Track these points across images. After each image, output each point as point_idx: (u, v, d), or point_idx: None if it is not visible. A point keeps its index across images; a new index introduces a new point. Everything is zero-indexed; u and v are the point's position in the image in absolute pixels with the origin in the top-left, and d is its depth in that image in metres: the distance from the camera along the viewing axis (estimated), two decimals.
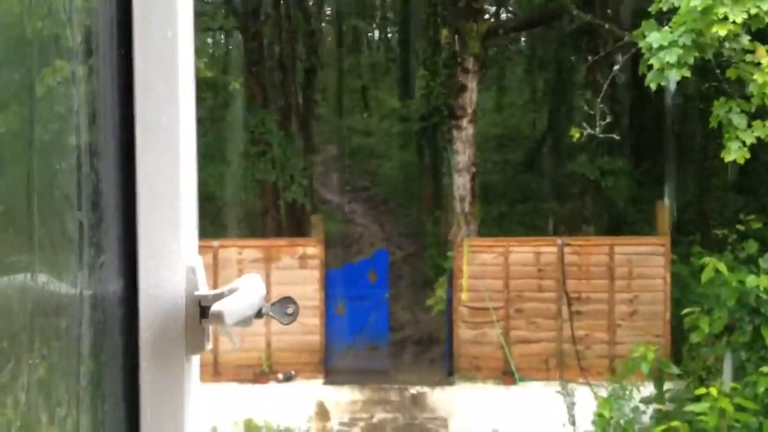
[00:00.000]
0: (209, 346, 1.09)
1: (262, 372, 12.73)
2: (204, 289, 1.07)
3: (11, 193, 0.90)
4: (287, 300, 1.08)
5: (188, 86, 1.07)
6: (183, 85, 1.06)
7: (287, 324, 1.08)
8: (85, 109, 0.99)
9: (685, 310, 11.07)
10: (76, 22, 0.97)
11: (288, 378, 12.77)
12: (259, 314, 1.06)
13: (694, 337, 10.97)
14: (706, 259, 10.91)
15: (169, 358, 1.07)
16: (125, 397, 1.06)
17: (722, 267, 10.63)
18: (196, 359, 1.10)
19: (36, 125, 0.95)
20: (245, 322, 1.04)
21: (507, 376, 12.54)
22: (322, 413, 12.52)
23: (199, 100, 16.68)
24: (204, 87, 15.57)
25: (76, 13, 0.96)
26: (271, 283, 12.65)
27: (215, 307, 0.98)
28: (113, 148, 1.03)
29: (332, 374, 12.98)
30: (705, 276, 10.74)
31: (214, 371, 12.57)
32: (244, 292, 1.04)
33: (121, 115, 1.03)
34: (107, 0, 0.98)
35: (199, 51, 16.35)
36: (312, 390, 12.62)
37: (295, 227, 16.00)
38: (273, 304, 1.08)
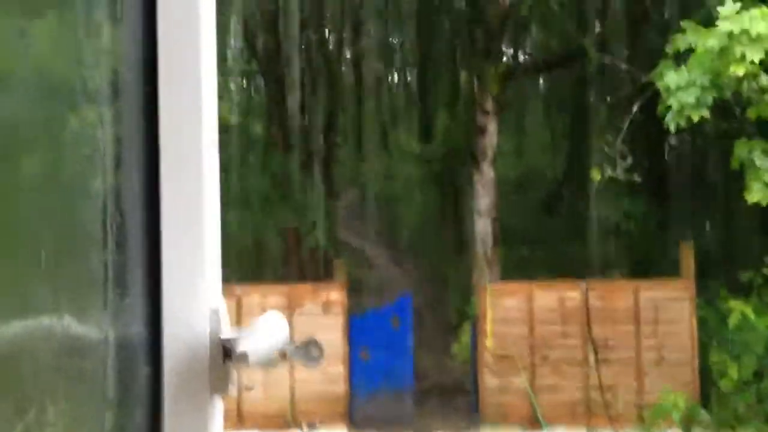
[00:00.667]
0: (233, 388, 1.08)
1: (285, 422, 12.62)
2: (227, 331, 1.07)
3: (38, 235, 0.91)
4: (312, 342, 1.07)
5: (211, 129, 1.08)
6: (206, 128, 1.07)
7: (311, 367, 1.07)
8: (110, 151, 1.00)
9: (713, 357, 10.90)
10: (103, 65, 0.99)
11: (312, 427, 12.65)
12: (283, 355, 1.06)
13: (724, 384, 10.78)
14: (732, 304, 10.78)
15: (193, 400, 1.06)
16: None
17: (749, 311, 10.49)
18: (219, 401, 1.10)
19: (63, 167, 0.96)
20: (270, 363, 1.04)
21: (533, 424, 12.37)
22: None
23: (222, 144, 16.81)
24: (226, 131, 15.73)
25: (103, 57, 0.98)
26: (294, 330, 12.57)
27: (240, 348, 0.98)
28: (138, 191, 1.04)
29: (357, 423, 12.85)
30: (732, 321, 10.60)
31: (239, 420, 12.49)
32: (266, 333, 1.03)
33: (145, 157, 1.04)
34: (134, 42, 1.00)
35: (222, 95, 16.58)
36: None
37: (318, 272, 16.00)
38: (297, 347, 1.08)
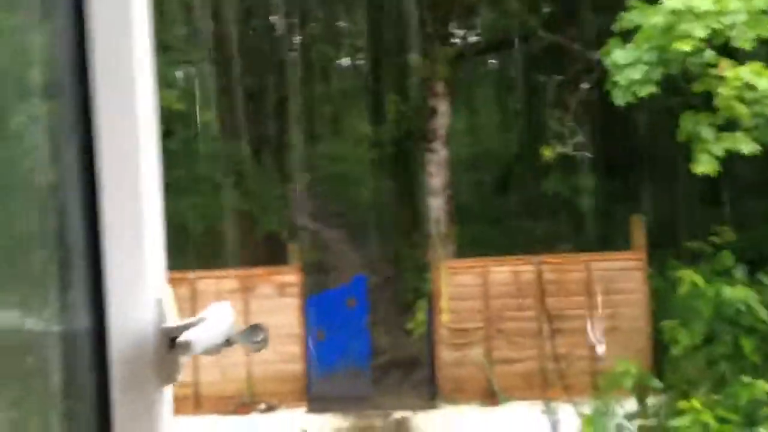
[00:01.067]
0: (180, 376, 1.09)
1: (243, 403, 12.63)
2: (173, 321, 1.07)
3: None
4: (255, 327, 1.08)
5: (149, 116, 1.08)
6: (143, 116, 1.06)
7: (257, 351, 1.08)
8: (47, 147, 1.00)
9: (664, 323, 11.15)
10: (37, 61, 0.98)
11: (270, 408, 12.68)
12: (228, 342, 1.07)
13: (674, 350, 11.03)
14: (682, 272, 11.00)
15: (141, 390, 1.07)
16: (98, 427, 1.06)
17: (699, 279, 10.72)
18: (168, 390, 1.10)
19: (1, 165, 0.95)
20: (214, 350, 1.04)
21: (490, 396, 12.53)
22: None
23: (171, 132, 16.69)
24: (175, 119, 15.55)
25: (36, 53, 0.97)
26: (250, 313, 12.59)
27: (183, 338, 0.99)
28: (76, 186, 1.03)
29: (315, 402, 12.90)
30: (682, 289, 10.83)
31: (195, 403, 12.46)
32: (212, 321, 1.04)
33: (83, 151, 1.03)
34: (65, 36, 0.99)
35: (169, 84, 16.36)
36: (295, 419, 12.53)
37: (272, 256, 15.95)
38: (242, 333, 1.09)
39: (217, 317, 1.06)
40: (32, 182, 0.97)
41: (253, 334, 1.09)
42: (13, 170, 0.97)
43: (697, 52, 8.97)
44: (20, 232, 0.98)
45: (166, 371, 1.07)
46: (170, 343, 1.06)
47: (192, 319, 1.05)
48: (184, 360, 1.03)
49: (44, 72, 1.00)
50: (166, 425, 1.10)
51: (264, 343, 1.08)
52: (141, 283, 1.06)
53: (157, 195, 1.08)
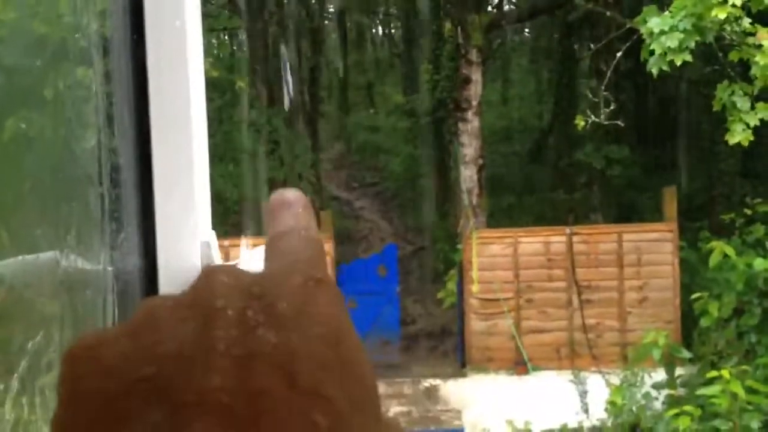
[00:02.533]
0: None
1: None
2: (218, 263, 1.13)
3: (36, 171, 0.96)
4: None
5: (197, 69, 1.14)
6: (193, 68, 1.13)
7: None
8: (102, 91, 1.06)
9: (694, 295, 11.11)
10: (92, 23, 1.04)
11: None
12: None
13: (704, 322, 11.01)
14: (714, 244, 10.94)
15: None
16: None
17: (730, 251, 10.66)
18: None
19: (60, 107, 1.02)
20: None
21: (519, 366, 12.60)
22: None
23: (206, 100, 16.72)
24: (210, 87, 15.66)
25: (91, 15, 1.03)
26: None
27: None
28: (129, 128, 1.10)
29: None
30: (713, 260, 10.78)
31: None
32: (255, 258, 1.10)
33: (136, 95, 1.10)
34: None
35: (205, 51, 16.40)
36: None
37: None
38: None
39: (257, 258, 1.12)
40: (88, 122, 1.03)
41: None
42: (71, 110, 1.03)
43: (734, 19, 8.85)
44: (76, 176, 1.04)
45: None
46: None
47: (236, 261, 1.11)
48: None
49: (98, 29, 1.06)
50: None
51: None
52: (189, 226, 1.12)
53: (204, 140, 1.14)
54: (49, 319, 0.96)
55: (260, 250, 1.14)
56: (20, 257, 0.93)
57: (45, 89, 1.02)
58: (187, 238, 1.14)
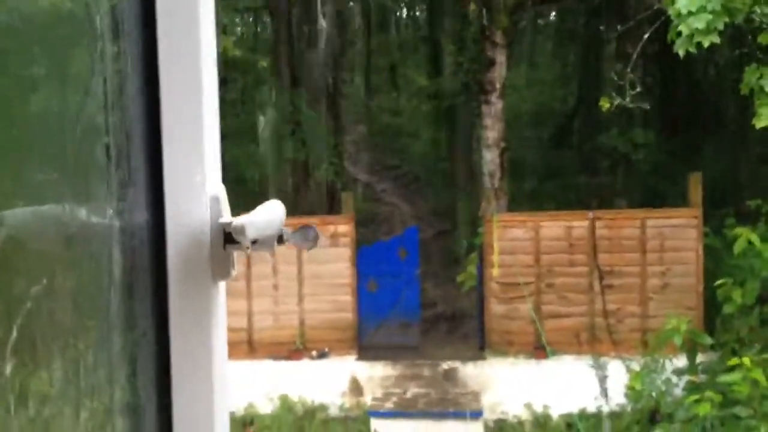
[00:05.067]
0: (234, 272, 1.13)
1: (296, 349, 12.86)
2: (228, 217, 1.11)
3: (42, 121, 0.95)
4: (307, 227, 1.12)
5: (209, 23, 1.12)
6: (204, 23, 1.10)
7: (308, 250, 1.12)
8: (112, 41, 1.04)
9: (718, 282, 11.00)
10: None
11: (322, 355, 12.90)
12: (280, 240, 1.11)
13: (727, 309, 10.90)
14: (739, 230, 10.82)
15: (196, 283, 1.11)
16: (155, 320, 1.10)
17: (755, 238, 10.54)
18: (222, 285, 1.15)
19: (67, 56, 0.99)
20: (268, 245, 1.08)
21: (539, 350, 12.55)
22: (356, 389, 12.63)
23: (229, 80, 16.78)
24: (233, 67, 15.65)
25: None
26: (303, 262, 12.75)
27: (237, 222, 1.02)
28: (138, 81, 1.08)
29: (365, 351, 13.08)
30: (738, 247, 10.66)
31: (249, 348, 12.73)
32: (265, 214, 1.08)
33: (144, 48, 1.07)
34: None
35: (228, 31, 16.41)
36: (345, 366, 12.73)
37: (326, 206, 16.08)
38: (294, 231, 1.12)
39: (269, 213, 1.10)
40: (95, 71, 1.01)
41: (306, 233, 1.12)
42: (77, 66, 1.01)
43: (764, 1, 8.70)
44: (83, 127, 1.02)
45: (221, 265, 1.10)
46: (225, 238, 1.10)
47: (246, 215, 1.09)
48: (241, 246, 1.06)
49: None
50: (220, 318, 1.15)
51: (315, 242, 1.12)
52: (198, 179, 1.10)
53: (215, 93, 1.11)
54: (52, 269, 0.94)
55: (277, 203, 1.11)
56: (23, 206, 0.91)
57: (56, 46, 0.99)
58: (196, 192, 1.12)
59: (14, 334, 0.86)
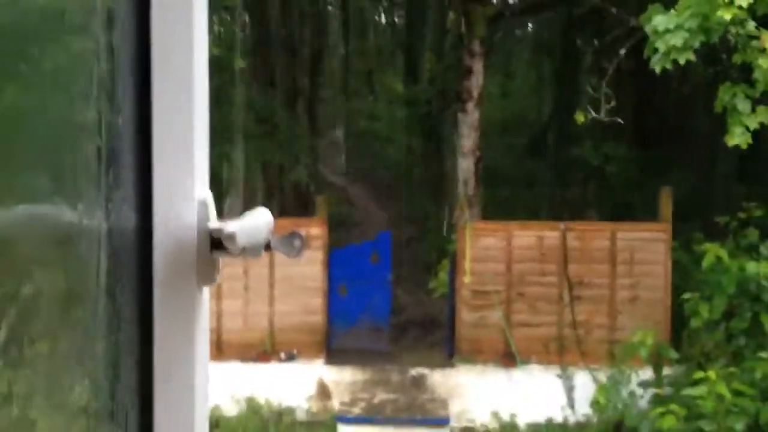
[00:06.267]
0: (219, 277, 1.13)
1: (264, 351, 12.82)
2: (215, 222, 1.11)
3: (34, 120, 0.94)
4: (294, 234, 1.12)
5: (202, 30, 1.12)
6: (197, 28, 1.10)
7: (294, 257, 1.12)
8: (104, 41, 1.03)
9: (685, 296, 11.13)
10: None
11: (290, 357, 12.86)
12: (267, 247, 1.11)
13: (694, 323, 11.03)
14: (707, 246, 10.95)
15: (182, 287, 1.11)
16: (139, 323, 1.10)
17: (723, 254, 10.67)
18: (206, 290, 1.15)
19: (58, 58, 0.99)
20: (255, 251, 1.08)
21: (508, 359, 12.62)
22: (324, 393, 12.61)
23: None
24: (210, 66, 15.56)
25: None
26: (274, 264, 12.72)
27: (228, 229, 1.02)
28: (129, 82, 1.07)
29: (334, 355, 13.07)
30: (706, 262, 10.79)
31: (217, 350, 12.66)
32: (253, 221, 1.08)
33: (137, 50, 1.07)
34: None
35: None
36: (313, 370, 12.70)
37: (299, 208, 16.05)
38: (280, 239, 1.12)
39: (256, 220, 1.10)
40: (86, 72, 1.01)
41: (291, 240, 1.12)
42: (67, 65, 1.01)
43: (739, 22, 8.84)
44: (72, 127, 1.02)
45: (207, 271, 1.10)
46: (212, 243, 1.10)
47: (234, 221, 1.09)
48: (230, 253, 1.06)
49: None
50: (203, 322, 1.15)
51: (301, 250, 1.12)
52: (187, 184, 1.10)
53: (205, 99, 1.12)
54: (39, 271, 0.94)
55: (264, 210, 1.11)
56: (14, 207, 0.91)
57: (48, 47, 0.99)
58: (184, 197, 1.12)
59: (2, 334, 0.85)
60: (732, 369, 10.23)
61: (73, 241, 1.02)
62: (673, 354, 11.33)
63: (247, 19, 18.48)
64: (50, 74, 0.98)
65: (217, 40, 16.90)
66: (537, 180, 18.74)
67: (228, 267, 12.68)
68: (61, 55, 0.99)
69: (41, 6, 0.97)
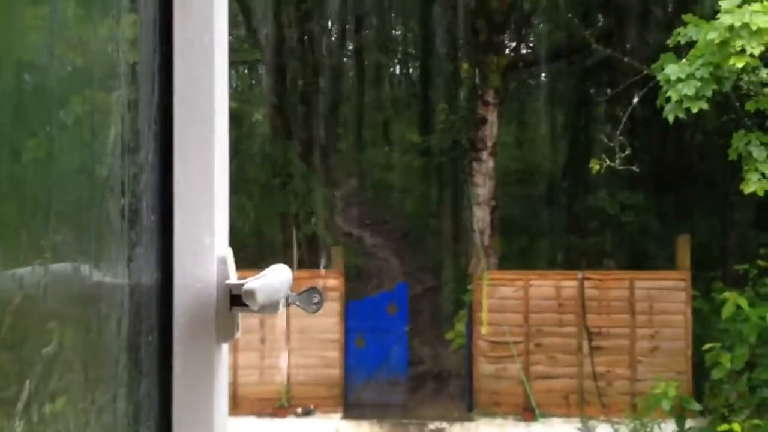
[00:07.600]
0: (238, 334, 1.14)
1: (281, 406, 12.71)
2: (234, 278, 1.12)
3: (60, 180, 0.96)
4: (313, 290, 1.13)
5: (222, 91, 1.14)
6: (218, 90, 1.13)
7: (313, 313, 1.13)
8: (126, 108, 1.06)
9: (706, 346, 10.99)
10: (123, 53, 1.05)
11: (307, 412, 12.74)
12: (287, 302, 1.12)
13: (716, 374, 10.87)
14: (727, 295, 10.84)
15: (201, 344, 1.11)
16: (159, 380, 1.11)
17: (743, 302, 10.56)
18: (225, 347, 1.15)
19: (83, 120, 1.02)
20: (273, 307, 1.09)
21: (527, 411, 12.46)
22: None
23: None
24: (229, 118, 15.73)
25: (123, 46, 1.03)
26: (290, 316, 12.68)
27: (248, 286, 1.03)
28: (152, 145, 1.10)
29: (351, 408, 12.94)
30: (726, 311, 10.68)
31: (233, 404, 12.57)
32: (273, 276, 1.10)
33: (160, 112, 1.10)
34: (149, 32, 1.06)
35: None
36: (331, 424, 12.57)
37: (315, 260, 16.05)
38: (299, 294, 1.13)
39: (276, 276, 1.11)
40: (111, 136, 1.03)
41: (310, 296, 1.13)
42: (92, 126, 1.03)
43: (752, 69, 8.88)
44: (96, 187, 1.04)
45: (226, 327, 1.11)
46: (231, 300, 1.11)
47: (253, 278, 1.10)
48: (248, 308, 1.08)
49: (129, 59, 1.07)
50: (222, 378, 1.15)
51: (320, 305, 1.13)
52: (207, 242, 1.12)
53: (225, 158, 1.14)
54: (62, 328, 0.95)
55: (283, 267, 1.12)
56: (39, 265, 0.93)
57: (75, 106, 1.02)
58: (205, 254, 1.13)
59: (26, 392, 0.86)
60: (756, 421, 10.05)
61: (95, 298, 1.03)
62: (696, 406, 11.16)
63: (264, 71, 18.74)
64: (79, 137, 1.00)
65: (234, 93, 17.12)
66: (553, 229, 18.69)
67: (244, 319, 12.61)
68: (88, 119, 1.01)
69: (72, 67, 1.00)
